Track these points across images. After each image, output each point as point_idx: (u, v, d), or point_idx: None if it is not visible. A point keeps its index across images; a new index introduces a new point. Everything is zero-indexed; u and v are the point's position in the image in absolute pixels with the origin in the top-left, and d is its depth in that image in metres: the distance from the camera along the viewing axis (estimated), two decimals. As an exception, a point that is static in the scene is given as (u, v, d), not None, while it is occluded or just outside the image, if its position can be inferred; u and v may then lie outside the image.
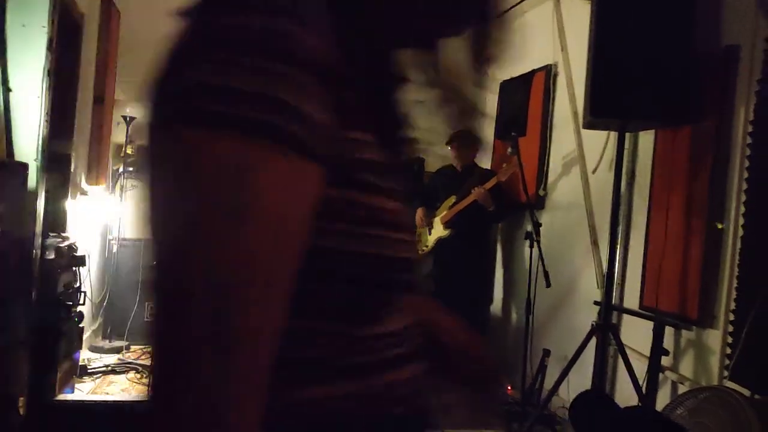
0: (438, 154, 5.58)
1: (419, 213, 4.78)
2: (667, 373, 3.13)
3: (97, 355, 4.57)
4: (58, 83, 3.31)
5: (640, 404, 2.92)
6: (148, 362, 4.40)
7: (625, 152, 3.41)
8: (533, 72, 4.78)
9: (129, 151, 4.93)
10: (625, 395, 3.40)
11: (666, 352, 3.02)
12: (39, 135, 2.91)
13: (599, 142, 3.79)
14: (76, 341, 3.50)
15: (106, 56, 4.42)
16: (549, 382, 3.66)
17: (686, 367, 3.07)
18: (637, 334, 3.36)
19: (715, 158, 2.98)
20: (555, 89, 4.51)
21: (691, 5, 3.00)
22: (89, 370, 4.11)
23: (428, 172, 5.52)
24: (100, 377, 4.08)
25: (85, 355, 4.48)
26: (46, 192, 3.21)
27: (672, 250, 3.18)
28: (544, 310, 4.23)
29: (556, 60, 4.47)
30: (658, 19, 2.99)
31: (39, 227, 2.98)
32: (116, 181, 4.97)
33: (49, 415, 2.15)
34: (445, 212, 4.61)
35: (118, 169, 4.97)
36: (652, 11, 3.00)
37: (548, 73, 4.55)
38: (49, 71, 2.94)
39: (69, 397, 2.35)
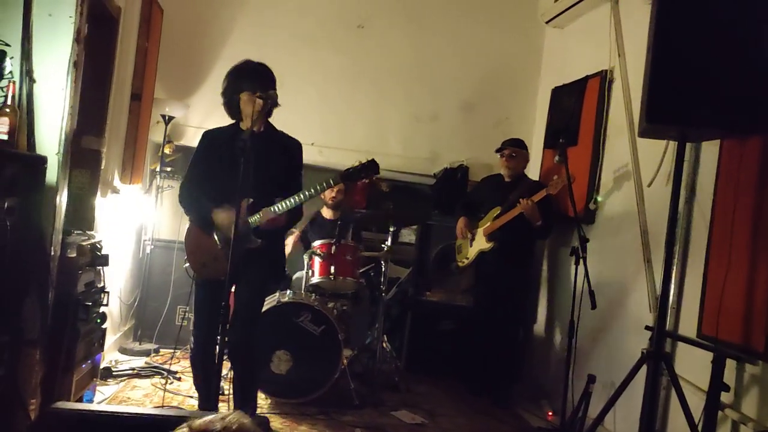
0: (483, 163, 5.37)
1: (461, 223, 4.57)
2: (727, 411, 2.81)
3: (127, 357, 4.49)
4: (90, 77, 3.23)
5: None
6: (174, 367, 4.29)
7: (685, 164, 3.12)
8: (587, 78, 4.51)
9: (167, 150, 4.86)
10: (678, 432, 3.10)
11: (726, 388, 2.71)
12: (62, 128, 2.82)
13: (656, 153, 3.50)
14: (97, 343, 3.40)
15: (146, 53, 4.36)
16: (593, 411, 3.39)
17: (749, 406, 2.75)
18: (693, 365, 3.05)
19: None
20: (610, 96, 4.23)
21: (763, 2, 2.70)
22: (114, 373, 4.02)
23: (473, 181, 5.31)
24: (124, 381, 3.98)
25: (114, 357, 4.41)
26: (72, 188, 3.13)
27: (736, 273, 2.87)
28: (590, 333, 3.95)
29: (612, 65, 4.19)
30: (725, 18, 2.71)
31: (59, 223, 2.89)
32: (152, 181, 4.90)
33: (56, 421, 2.01)
34: (488, 224, 4.38)
35: (155, 169, 4.90)
36: (718, 10, 2.72)
37: (603, 79, 4.27)
38: (75, 63, 2.85)
39: (70, 405, 2.22)
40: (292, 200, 3.05)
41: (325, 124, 5.34)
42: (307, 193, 3.06)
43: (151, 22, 4.41)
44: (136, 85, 4.27)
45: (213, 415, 1.21)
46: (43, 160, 2.62)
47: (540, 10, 5.34)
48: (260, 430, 1.24)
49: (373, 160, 3.13)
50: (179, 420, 2.18)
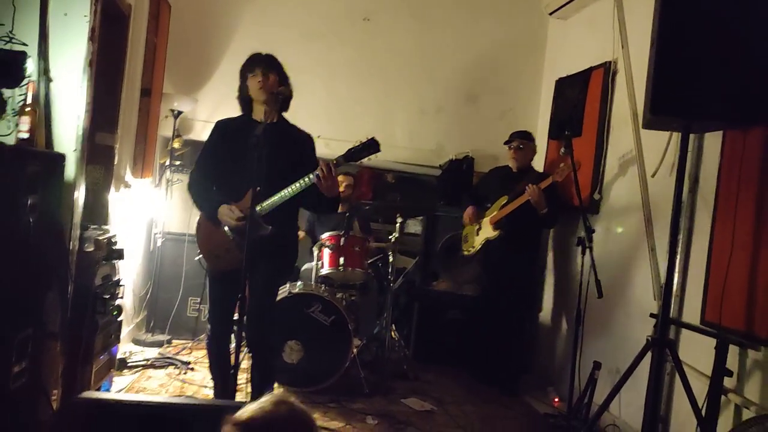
0: (488, 154, 5.43)
1: (468, 212, 4.63)
2: (730, 395, 2.88)
3: (140, 348, 4.58)
4: (103, 74, 3.29)
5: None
6: (187, 358, 4.38)
7: (689, 155, 3.17)
8: (591, 69, 4.55)
9: (176, 144, 4.92)
10: (683, 417, 3.17)
11: (729, 373, 2.79)
12: (79, 125, 2.88)
13: (660, 144, 3.55)
14: (114, 335, 3.48)
15: (154, 49, 4.42)
16: (599, 397, 3.47)
17: (752, 391, 2.82)
18: (697, 351, 3.12)
19: (790, 162, 2.73)
20: (614, 87, 4.28)
21: (767, -3, 2.75)
22: (129, 364, 4.11)
23: (478, 172, 5.37)
24: (139, 371, 4.07)
25: (127, 348, 4.50)
26: (87, 184, 3.20)
27: (739, 261, 2.93)
28: (596, 321, 4.01)
29: (616, 57, 4.24)
30: (729, 9, 2.75)
31: (77, 218, 2.96)
32: (162, 175, 4.97)
33: (80, 410, 2.09)
34: (495, 212, 4.44)
35: (164, 163, 4.96)
36: (721, 3, 2.77)
37: (607, 70, 4.32)
38: (90, 62, 2.91)
39: (95, 395, 2.30)
40: (291, 188, 3.07)
41: (332, 116, 5.39)
42: (305, 179, 3.06)
43: (159, 18, 4.46)
44: (145, 80, 4.33)
45: (250, 405, 1.27)
46: (62, 158, 2.69)
47: (544, 1, 5.37)
48: (301, 410, 1.30)
49: (373, 138, 3.09)
50: (199, 408, 2.26)
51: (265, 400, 1.28)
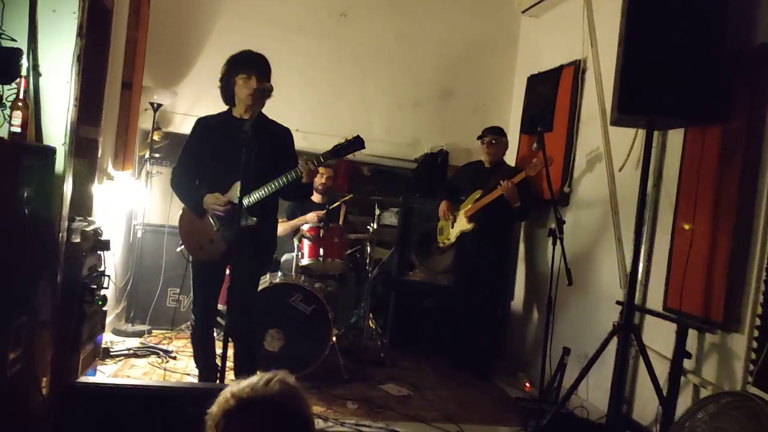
0: (462, 148, 5.57)
1: (443, 205, 4.76)
2: (690, 376, 3.08)
3: (120, 339, 4.63)
4: (87, 69, 3.34)
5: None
6: (168, 347, 4.45)
7: (653, 150, 3.36)
8: (561, 67, 4.73)
9: (156, 137, 4.97)
10: (645, 397, 3.37)
11: (689, 355, 2.98)
12: (67, 120, 2.94)
13: (626, 140, 3.74)
14: (99, 324, 3.54)
15: (134, 43, 4.46)
16: (568, 381, 3.64)
17: (709, 371, 3.02)
18: (659, 335, 3.32)
19: (745, 158, 2.92)
20: (583, 85, 4.45)
21: (724, 2, 2.93)
22: (112, 353, 4.17)
23: (453, 165, 5.52)
24: (122, 360, 4.14)
25: (108, 338, 4.55)
26: (73, 176, 3.26)
27: (698, 251, 3.13)
28: (566, 308, 4.20)
29: (586, 55, 4.41)
30: (690, 15, 2.94)
31: (66, 211, 3.02)
32: (142, 167, 5.02)
33: (72, 396, 2.18)
34: (469, 206, 4.58)
35: (143, 155, 5.01)
36: (684, 7, 2.95)
37: (577, 68, 4.50)
38: (78, 57, 2.96)
39: (92, 379, 2.39)
40: (276, 182, 3.19)
41: (310, 110, 5.48)
42: (292, 174, 3.17)
43: (139, 13, 4.50)
44: (126, 74, 4.38)
45: (251, 379, 1.32)
46: (53, 151, 2.74)
47: (516, -1, 5.53)
48: (299, 391, 1.30)
49: (358, 136, 3.23)
50: (189, 391, 2.37)
51: (264, 377, 1.29)
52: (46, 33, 2.87)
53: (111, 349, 4.23)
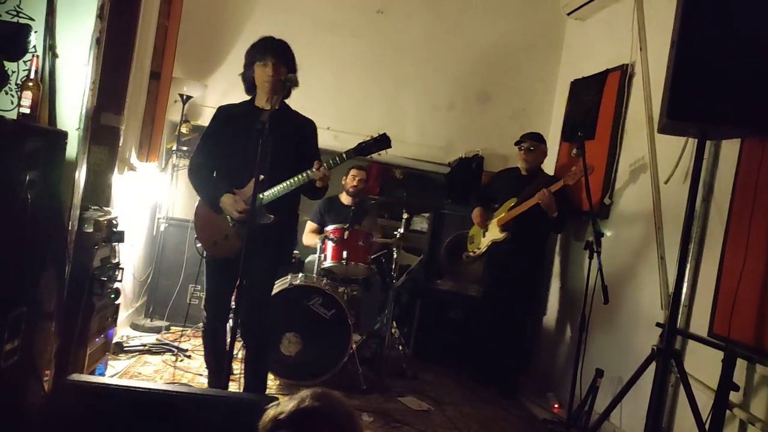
0: (498, 154, 5.36)
1: (476, 212, 4.56)
2: (736, 410, 2.81)
3: (138, 333, 4.54)
4: (109, 54, 3.24)
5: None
6: (184, 345, 4.33)
7: (704, 162, 3.10)
8: (607, 71, 4.48)
9: (184, 130, 4.88)
10: (685, 430, 3.10)
11: (736, 387, 2.71)
12: (83, 104, 2.83)
13: (675, 150, 3.48)
14: (110, 317, 3.44)
15: (165, 32, 4.37)
16: (600, 405, 3.41)
17: (759, 407, 2.75)
18: (703, 363, 3.05)
19: (809, 174, 2.65)
20: (630, 91, 4.20)
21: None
22: (125, 348, 4.07)
23: (488, 171, 5.31)
24: (135, 356, 4.03)
25: (125, 332, 4.46)
26: (90, 164, 3.16)
27: (751, 273, 2.85)
28: (600, 328, 3.95)
29: (634, 60, 4.16)
30: (752, 14, 2.67)
31: (77, 198, 2.91)
32: (168, 160, 4.93)
33: (64, 393, 2.05)
34: (503, 214, 4.37)
35: (171, 148, 4.92)
36: (745, 7, 2.69)
37: (624, 73, 4.24)
38: (98, 40, 2.86)
39: (83, 378, 2.25)
40: (291, 181, 3.04)
41: (342, 109, 5.33)
42: (304, 176, 3.04)
43: (171, 2, 4.41)
44: (155, 63, 4.29)
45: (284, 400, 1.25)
46: (63, 135, 2.64)
47: (562, 1, 5.29)
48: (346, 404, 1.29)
49: (384, 134, 3.08)
50: (190, 397, 2.21)
51: (305, 394, 1.27)
52: (64, 12, 2.77)
53: (125, 344, 4.13)
